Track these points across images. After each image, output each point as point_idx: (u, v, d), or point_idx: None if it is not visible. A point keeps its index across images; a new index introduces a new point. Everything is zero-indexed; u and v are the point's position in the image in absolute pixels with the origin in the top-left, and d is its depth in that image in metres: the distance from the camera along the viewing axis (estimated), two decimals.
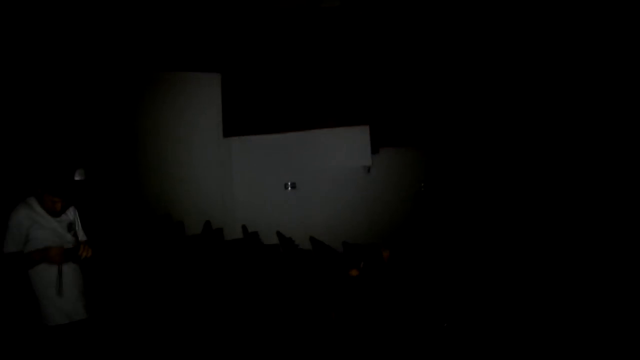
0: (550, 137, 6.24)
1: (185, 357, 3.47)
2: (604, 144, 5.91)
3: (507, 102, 6.44)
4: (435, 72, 6.41)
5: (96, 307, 2.52)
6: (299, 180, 6.23)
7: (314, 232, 6.21)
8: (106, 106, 5.63)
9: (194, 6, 6.02)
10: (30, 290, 2.32)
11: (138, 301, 3.93)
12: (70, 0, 5.09)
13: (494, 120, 6.42)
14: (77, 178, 4.94)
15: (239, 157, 6.37)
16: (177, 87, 6.15)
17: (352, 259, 3.85)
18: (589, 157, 6.00)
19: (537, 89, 6.33)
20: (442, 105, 6.45)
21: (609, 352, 3.91)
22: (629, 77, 5.67)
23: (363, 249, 3.99)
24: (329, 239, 6.02)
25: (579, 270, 5.31)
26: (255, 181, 6.33)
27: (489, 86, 6.48)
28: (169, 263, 4.73)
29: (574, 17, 5.77)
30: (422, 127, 6.40)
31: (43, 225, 2.29)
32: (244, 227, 6.24)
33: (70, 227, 2.42)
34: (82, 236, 2.52)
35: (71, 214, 2.47)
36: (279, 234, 6.18)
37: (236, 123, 6.43)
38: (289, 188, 6.21)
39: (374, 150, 6.09)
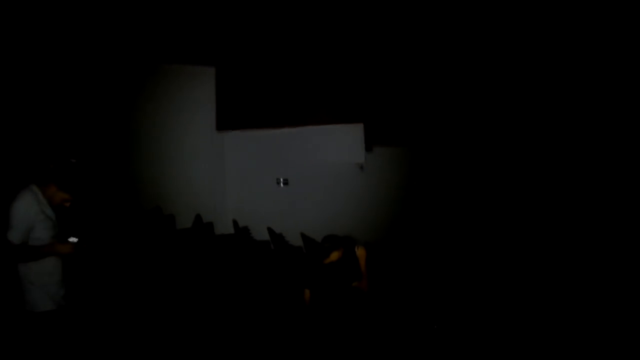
0: (548, 139, 6.30)
1: (172, 350, 3.44)
2: (599, 142, 5.96)
3: (504, 102, 6.49)
4: (431, 72, 6.43)
5: (81, 298, 2.48)
6: (291, 176, 6.20)
7: (305, 229, 6.19)
8: (98, 96, 5.54)
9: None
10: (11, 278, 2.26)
11: (126, 293, 3.88)
12: None
13: (489, 120, 6.47)
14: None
15: (231, 151, 6.32)
16: (171, 79, 6.07)
17: (331, 246, 3.85)
18: (581, 155, 6.06)
19: (535, 89, 6.39)
20: (437, 105, 6.48)
21: (606, 352, 3.95)
22: (621, 77, 5.73)
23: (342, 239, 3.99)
24: (320, 236, 6.01)
25: (572, 269, 5.37)
26: (248, 176, 6.29)
27: (484, 86, 6.52)
28: (158, 256, 4.68)
29: (568, 15, 5.82)
30: (417, 126, 6.41)
31: (47, 216, 2.23)
32: (234, 222, 6.19)
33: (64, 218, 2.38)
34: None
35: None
36: (269, 229, 6.14)
37: (230, 117, 6.37)
38: (281, 184, 6.18)
39: (368, 148, 6.08)
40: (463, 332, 4.25)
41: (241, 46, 6.45)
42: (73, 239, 2.24)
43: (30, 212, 2.16)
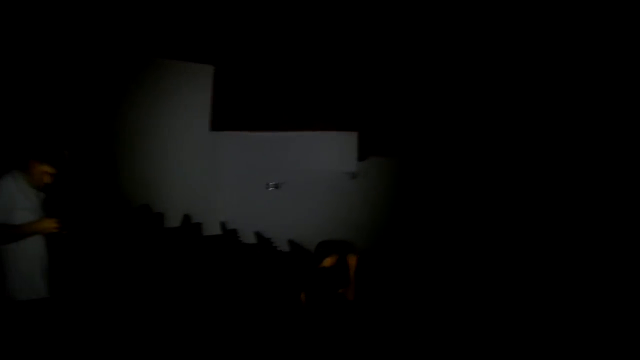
0: (544, 151, 6.34)
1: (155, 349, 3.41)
2: (587, 153, 5.99)
3: (498, 115, 6.56)
4: (427, 84, 6.50)
5: (63, 291, 2.44)
6: (282, 181, 6.19)
7: (294, 235, 6.18)
8: (90, 87, 5.49)
9: None
10: None
11: (107, 287, 3.84)
12: None
13: (483, 132, 6.54)
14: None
15: (224, 152, 6.29)
16: (167, 74, 6.04)
17: (326, 252, 3.92)
18: (570, 172, 6.10)
19: (529, 102, 6.47)
20: (432, 117, 6.54)
21: (606, 352, 3.95)
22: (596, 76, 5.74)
23: (337, 244, 4.05)
24: (309, 243, 5.99)
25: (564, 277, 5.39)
26: (239, 178, 6.26)
27: (479, 98, 6.60)
28: (143, 253, 4.63)
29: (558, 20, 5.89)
30: (411, 138, 6.46)
31: (29, 197, 2.21)
32: (222, 224, 6.15)
33: (47, 204, 2.34)
34: None
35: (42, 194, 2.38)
36: (257, 234, 6.11)
37: (225, 118, 6.35)
38: (272, 188, 6.16)
39: (361, 157, 6.10)
40: (448, 343, 4.28)
41: (242, 47, 6.45)
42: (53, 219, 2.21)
43: (9, 193, 2.16)
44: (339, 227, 6.06)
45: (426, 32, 6.36)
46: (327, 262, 3.71)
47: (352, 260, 3.78)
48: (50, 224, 2.15)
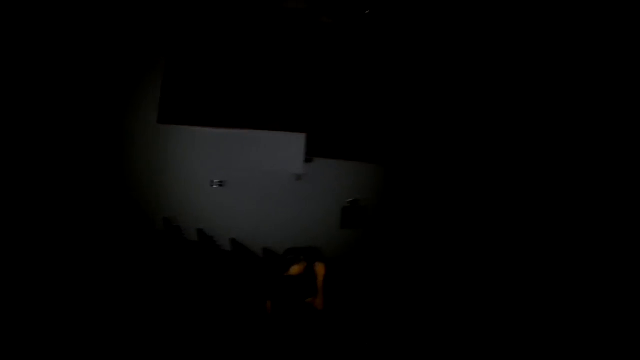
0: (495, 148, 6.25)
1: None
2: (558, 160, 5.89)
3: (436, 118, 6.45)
4: (376, 89, 6.36)
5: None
6: (228, 179, 6.10)
7: (237, 233, 6.15)
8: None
9: None
10: None
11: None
12: None
13: (431, 137, 6.46)
14: None
15: (169, 146, 6.18)
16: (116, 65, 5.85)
17: (293, 259, 3.83)
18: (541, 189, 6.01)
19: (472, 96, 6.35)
20: (380, 121, 6.43)
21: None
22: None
23: (304, 251, 3.95)
24: (251, 243, 5.99)
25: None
26: (184, 174, 6.17)
27: (426, 103, 6.47)
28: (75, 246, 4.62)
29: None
30: (360, 141, 6.36)
31: None
32: (165, 220, 6.10)
33: None
34: None
35: None
36: (200, 231, 6.09)
37: (173, 111, 6.17)
38: (216, 185, 6.08)
39: (308, 159, 6.00)
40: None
41: (194, 40, 6.20)
42: None
43: None
44: (282, 229, 6.04)
45: (374, 35, 6.15)
46: (295, 270, 3.63)
47: (320, 269, 3.69)
48: None
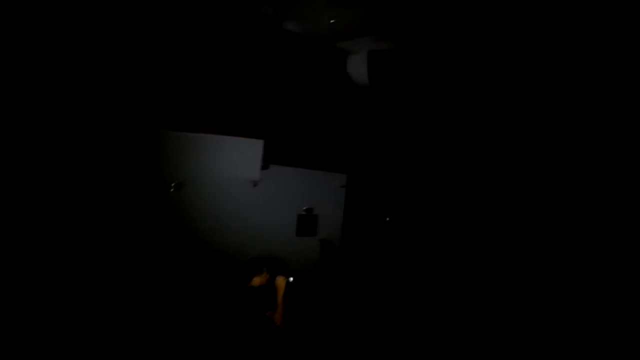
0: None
1: None
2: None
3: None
4: (333, 95, 6.48)
5: None
6: (184, 183, 6.06)
7: (193, 237, 6.11)
8: None
9: None
10: None
11: None
12: None
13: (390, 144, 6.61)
14: None
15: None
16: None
17: (255, 270, 3.81)
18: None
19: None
20: (335, 127, 6.55)
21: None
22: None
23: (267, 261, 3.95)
24: (208, 246, 5.96)
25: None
26: (140, 178, 6.07)
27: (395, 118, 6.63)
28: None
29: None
30: (316, 147, 6.47)
31: None
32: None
33: None
34: None
35: None
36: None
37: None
38: (172, 189, 6.03)
39: (264, 165, 6.05)
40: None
41: (154, 43, 6.16)
42: None
43: None
44: (239, 235, 6.04)
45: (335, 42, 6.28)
46: (256, 281, 3.60)
47: (281, 283, 3.69)
48: None
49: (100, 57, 5.86)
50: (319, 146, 6.61)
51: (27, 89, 5.35)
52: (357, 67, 6.74)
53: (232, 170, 6.01)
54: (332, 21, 5.89)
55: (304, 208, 6.37)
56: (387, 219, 6.42)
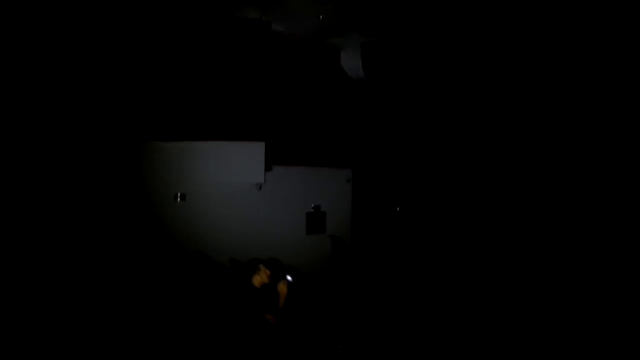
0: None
1: None
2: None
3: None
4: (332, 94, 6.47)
5: None
6: (189, 192, 6.05)
7: (201, 246, 6.08)
8: None
9: None
10: None
11: None
12: None
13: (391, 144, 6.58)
14: None
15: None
16: None
17: (251, 269, 3.77)
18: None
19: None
20: (336, 124, 6.53)
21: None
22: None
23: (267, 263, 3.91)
24: (217, 254, 5.92)
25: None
26: (144, 189, 6.09)
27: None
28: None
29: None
30: (318, 147, 6.45)
31: None
32: None
33: None
34: None
35: None
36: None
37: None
38: (178, 199, 6.02)
39: (267, 167, 6.02)
40: None
41: (149, 48, 6.18)
42: None
43: None
44: (247, 239, 6.00)
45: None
46: (256, 280, 3.58)
47: (283, 289, 3.67)
48: None
49: (91, 74, 5.92)
50: (320, 143, 6.58)
51: (27, 98, 5.39)
52: (351, 61, 6.74)
53: (236, 176, 5.99)
54: (320, 17, 5.90)
55: (312, 205, 6.32)
56: (398, 209, 6.36)
